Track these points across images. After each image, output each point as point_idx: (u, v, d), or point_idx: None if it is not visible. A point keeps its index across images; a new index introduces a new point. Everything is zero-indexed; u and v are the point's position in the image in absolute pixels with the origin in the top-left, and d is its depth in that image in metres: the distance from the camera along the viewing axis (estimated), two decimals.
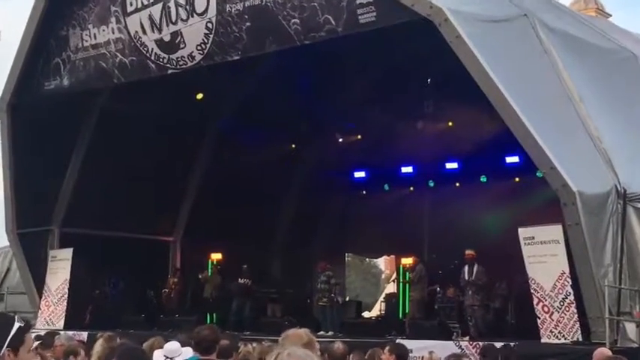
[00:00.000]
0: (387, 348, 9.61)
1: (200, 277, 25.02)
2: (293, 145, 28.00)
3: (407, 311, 26.23)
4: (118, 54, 21.22)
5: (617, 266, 15.45)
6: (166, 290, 25.21)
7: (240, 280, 24.05)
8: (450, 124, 25.06)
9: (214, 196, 25.99)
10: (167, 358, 7.91)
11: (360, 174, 29.17)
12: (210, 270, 25.95)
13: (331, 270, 22.52)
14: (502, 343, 13.88)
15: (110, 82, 21.93)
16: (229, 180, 25.78)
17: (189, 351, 7.84)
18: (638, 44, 21.07)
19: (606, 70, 18.24)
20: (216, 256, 26.44)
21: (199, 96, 24.58)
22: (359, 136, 27.37)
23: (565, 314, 15.51)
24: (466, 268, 19.55)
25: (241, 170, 25.72)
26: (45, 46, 22.84)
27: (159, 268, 25.94)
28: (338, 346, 9.14)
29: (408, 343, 15.12)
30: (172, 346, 8.12)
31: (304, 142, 27.86)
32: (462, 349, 16.29)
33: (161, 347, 8.38)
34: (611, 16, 48.68)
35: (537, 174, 17.90)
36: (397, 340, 14.69)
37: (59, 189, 24.44)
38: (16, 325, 3.79)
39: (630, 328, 15.37)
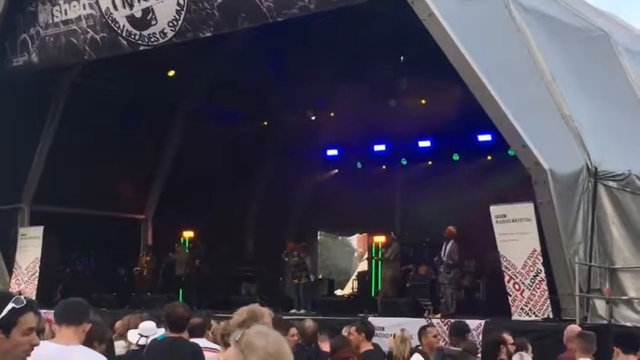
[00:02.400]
0: (355, 326, 9.65)
1: (172, 253, 24.95)
2: (265, 123, 27.91)
3: (379, 289, 26.36)
4: (89, 30, 21.00)
5: (588, 244, 15.58)
6: (138, 268, 25.14)
7: (197, 262, 24.00)
8: (423, 101, 25.09)
9: (186, 173, 25.91)
10: (142, 336, 7.92)
11: (332, 152, 29.19)
12: (187, 247, 25.87)
13: (303, 249, 22.55)
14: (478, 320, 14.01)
15: (81, 58, 21.72)
16: (201, 157, 25.71)
17: (162, 330, 7.84)
18: (609, 22, 21.16)
19: (579, 48, 18.31)
20: (188, 234, 26.38)
21: (171, 73, 24.43)
22: (331, 114, 27.34)
23: (536, 291, 15.62)
24: (444, 245, 19.61)
25: (213, 148, 25.64)
26: (12, 22, 22.54)
27: (131, 246, 25.85)
28: (309, 324, 9.19)
29: (380, 321, 15.23)
30: (148, 324, 8.12)
31: (276, 120, 27.79)
32: (434, 326, 16.39)
33: (136, 326, 8.38)
34: None
35: (509, 152, 18.00)
36: (369, 318, 14.74)
37: (29, 166, 24.23)
38: (10, 305, 3.63)
39: (600, 305, 15.51)
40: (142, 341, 7.78)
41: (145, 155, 25.71)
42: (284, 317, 13.92)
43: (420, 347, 10.33)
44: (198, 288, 23.74)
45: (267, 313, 5.22)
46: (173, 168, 26.52)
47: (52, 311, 5.95)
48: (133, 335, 8.10)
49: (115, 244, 24.84)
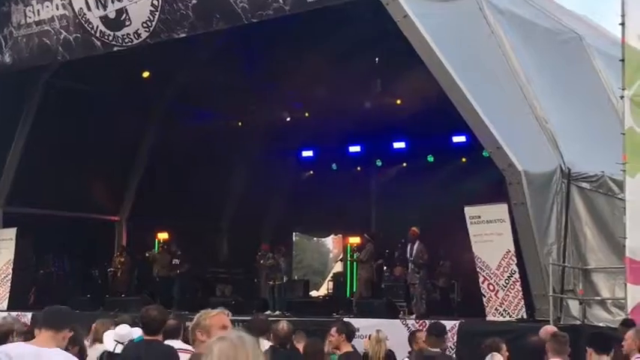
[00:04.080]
0: (335, 327, 9.64)
1: (147, 254, 24.85)
2: (240, 123, 27.85)
3: (354, 290, 26.38)
4: (63, 31, 20.88)
5: (561, 244, 15.68)
6: (112, 270, 25.03)
7: (173, 262, 23.89)
8: (399, 102, 25.13)
9: (161, 174, 25.82)
10: (118, 342, 7.90)
11: (307, 153, 29.20)
12: (157, 249, 25.78)
13: (277, 250, 22.55)
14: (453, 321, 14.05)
15: (54, 59, 21.60)
16: (176, 158, 25.65)
17: (137, 331, 7.81)
18: (582, 24, 21.32)
19: (552, 51, 18.43)
20: (163, 236, 26.29)
21: (145, 74, 24.32)
22: (306, 114, 27.33)
23: (510, 292, 15.70)
24: (409, 246, 19.70)
25: (188, 149, 25.56)
26: None
27: (105, 247, 25.72)
28: (282, 325, 9.16)
29: (356, 322, 15.23)
30: (123, 330, 8.09)
31: (251, 121, 27.73)
32: (409, 327, 16.44)
33: (108, 329, 8.35)
34: None
35: (484, 153, 18.09)
36: (344, 319, 14.76)
37: (2, 167, 24.04)
38: None
39: (573, 305, 15.61)
40: (119, 349, 7.78)
41: (119, 156, 25.57)
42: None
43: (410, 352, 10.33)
44: (176, 289, 23.61)
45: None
46: (147, 169, 26.41)
47: (26, 314, 5.97)
48: (108, 340, 8.08)
49: (89, 246, 24.72)
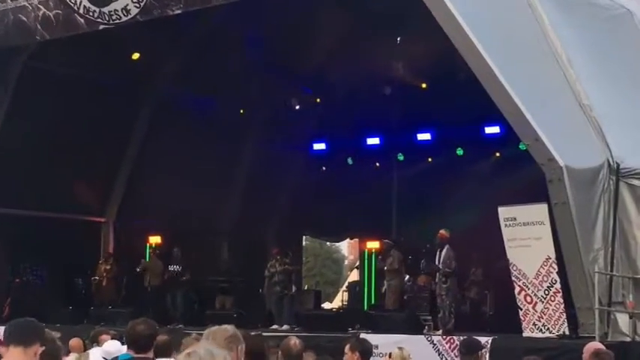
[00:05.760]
0: (349, 345, 9.61)
1: (138, 269, 24.78)
2: (241, 111, 27.83)
3: (373, 302, 26.39)
4: (41, 7, 20.86)
5: (609, 250, 15.60)
6: (97, 278, 25.03)
7: (170, 268, 23.91)
8: (424, 86, 25.06)
9: (153, 170, 25.80)
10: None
11: (319, 146, 29.17)
12: (147, 255, 25.78)
13: (286, 256, 22.53)
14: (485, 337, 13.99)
15: (32, 39, 21.58)
16: (170, 152, 25.61)
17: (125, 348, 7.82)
18: None
19: (598, 28, 18.32)
20: (155, 239, 26.30)
21: (135, 56, 24.30)
22: (317, 100, 27.29)
23: (550, 304, 15.65)
24: (437, 252, 19.63)
25: (183, 140, 25.55)
26: None
27: (89, 253, 25.71)
28: (294, 342, 9.12)
29: (374, 338, 15.21)
30: (111, 347, 8.10)
31: (255, 109, 27.73)
32: (434, 344, 16.41)
33: (96, 341, 8.38)
34: None
35: (520, 146, 18.02)
36: (361, 335, 14.73)
37: None
38: None
39: (622, 319, 15.54)
40: None
41: (106, 149, 25.59)
42: (264, 334, 13.89)
43: None
44: (173, 300, 23.64)
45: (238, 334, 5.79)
46: (138, 163, 26.42)
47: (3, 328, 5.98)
48: (96, 357, 8.10)
49: (72, 251, 24.68)
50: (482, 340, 15.26)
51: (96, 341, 10.20)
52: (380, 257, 22.97)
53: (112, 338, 9.95)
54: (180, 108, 25.91)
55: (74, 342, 11.23)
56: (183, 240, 24.94)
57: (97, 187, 26.25)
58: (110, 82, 24.51)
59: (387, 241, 22.75)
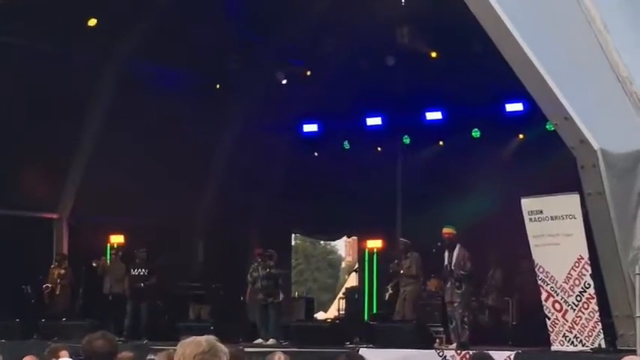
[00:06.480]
0: None
1: (94, 264, 24.86)
2: (217, 86, 27.79)
3: (375, 311, 26.44)
4: None
5: None
6: (49, 285, 25.05)
7: (133, 272, 23.93)
8: (433, 55, 25.04)
9: (114, 157, 25.79)
10: None
11: (310, 127, 29.16)
12: (109, 257, 25.81)
13: (270, 257, 22.56)
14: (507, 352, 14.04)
15: None
16: (134, 135, 25.60)
17: None
18: None
19: None
20: (117, 239, 26.31)
21: (92, 22, 24.28)
22: (308, 73, 27.25)
23: (583, 313, 15.72)
24: (446, 253, 19.62)
25: (149, 122, 25.55)
26: None
27: (39, 255, 25.73)
28: (279, 357, 9.16)
29: (375, 354, 15.28)
30: None
31: (234, 84, 27.70)
32: None
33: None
34: None
35: (547, 127, 18.06)
36: (360, 350, 14.79)
37: None
38: None
39: None
40: None
41: (59, 132, 25.56)
42: (246, 350, 13.94)
43: None
44: (142, 311, 23.69)
45: (225, 352, 5.46)
46: (96, 150, 26.39)
47: None
48: None
49: (18, 254, 24.68)
50: (503, 355, 15.40)
51: (55, 357, 10.24)
52: (396, 260, 22.51)
53: (69, 356, 10.00)
54: (146, 84, 25.86)
55: None
56: (150, 239, 24.97)
57: (48, 177, 26.20)
58: (63, 54, 24.43)
59: (404, 240, 22.53)
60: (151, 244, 24.69)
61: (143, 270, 23.80)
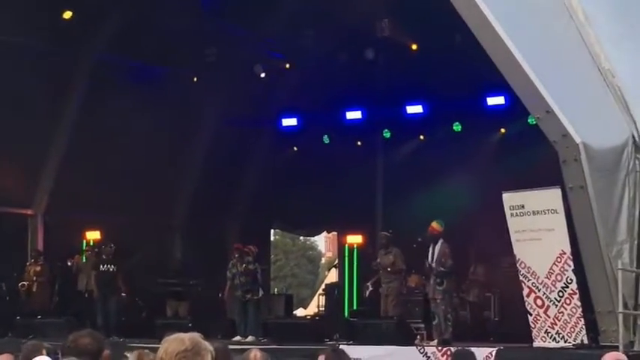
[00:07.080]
0: (323, 356, 9.68)
1: (69, 263, 24.82)
2: (195, 80, 27.76)
3: (355, 307, 26.48)
4: None
5: (635, 243, 15.72)
6: (25, 283, 25.02)
7: (101, 267, 23.85)
8: (414, 47, 25.04)
9: (90, 151, 25.75)
10: None
11: (289, 121, 29.14)
12: (84, 253, 25.77)
13: (249, 253, 22.56)
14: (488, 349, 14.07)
15: None
16: (110, 129, 25.55)
17: None
18: None
19: None
20: (93, 235, 26.28)
21: (67, 14, 24.24)
22: (287, 66, 27.24)
23: (565, 309, 15.77)
24: (430, 248, 19.61)
25: (124, 116, 25.49)
26: None
27: (15, 252, 25.68)
28: (254, 354, 9.17)
29: (356, 351, 15.31)
30: None
31: (211, 77, 27.67)
32: (429, 357, 16.52)
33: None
34: None
35: (529, 120, 18.11)
36: (341, 347, 14.81)
37: None
38: None
39: None
40: None
41: (32, 126, 25.49)
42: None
43: None
44: (112, 307, 23.65)
45: (209, 350, 5.39)
46: (71, 144, 26.34)
47: None
48: None
49: None
50: (485, 351, 15.44)
51: (39, 353, 10.16)
52: (378, 260, 22.04)
53: (46, 354, 9.98)
54: (121, 77, 25.81)
55: (4, 358, 11.22)
56: (126, 235, 24.93)
57: (23, 171, 26.14)
58: (37, 47, 24.36)
59: (385, 233, 22.45)
60: (127, 239, 24.66)
61: (112, 266, 23.74)
